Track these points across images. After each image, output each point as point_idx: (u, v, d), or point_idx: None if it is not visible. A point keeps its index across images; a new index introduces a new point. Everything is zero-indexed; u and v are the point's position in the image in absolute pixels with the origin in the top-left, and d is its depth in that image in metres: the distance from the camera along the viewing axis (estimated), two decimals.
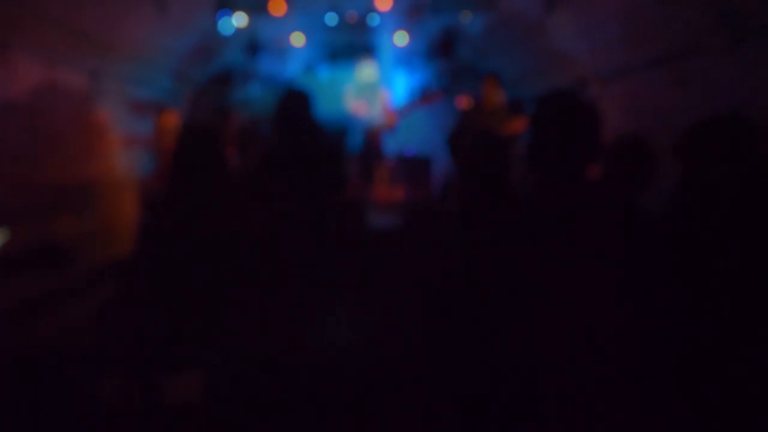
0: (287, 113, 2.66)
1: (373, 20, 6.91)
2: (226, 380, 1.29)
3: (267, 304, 1.34)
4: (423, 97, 5.35)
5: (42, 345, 2.57)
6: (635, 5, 4.40)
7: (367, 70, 5.10)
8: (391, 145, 7.54)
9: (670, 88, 4.53)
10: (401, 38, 7.50)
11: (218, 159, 1.97)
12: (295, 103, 2.70)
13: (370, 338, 1.32)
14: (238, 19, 5.72)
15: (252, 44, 7.60)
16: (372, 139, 5.20)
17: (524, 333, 1.26)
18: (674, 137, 3.39)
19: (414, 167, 7.80)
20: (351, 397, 1.33)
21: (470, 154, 2.08)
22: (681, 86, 4.39)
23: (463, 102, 6.41)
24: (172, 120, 5.60)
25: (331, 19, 6.92)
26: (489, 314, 1.31)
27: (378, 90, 5.14)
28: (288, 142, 2.52)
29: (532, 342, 1.25)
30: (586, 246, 1.31)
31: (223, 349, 1.30)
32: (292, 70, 8.35)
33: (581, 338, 1.23)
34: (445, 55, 7.78)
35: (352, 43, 8.01)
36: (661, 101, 4.67)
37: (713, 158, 3.05)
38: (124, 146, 5.67)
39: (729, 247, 2.70)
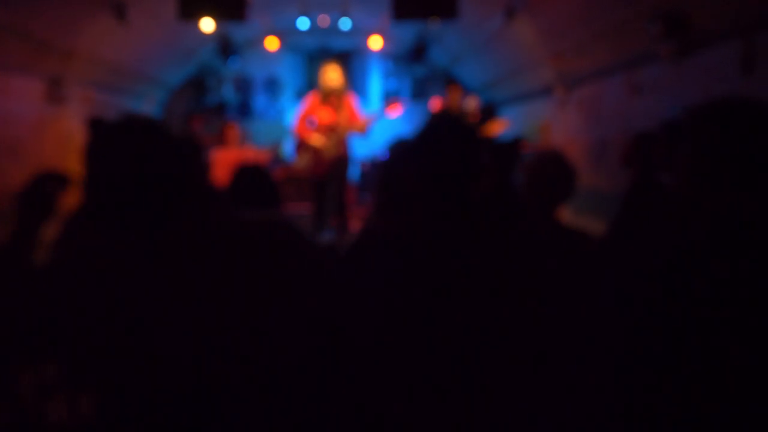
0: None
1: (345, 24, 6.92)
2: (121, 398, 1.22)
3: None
4: (387, 104, 5.33)
5: None
6: (589, 13, 4.43)
7: (331, 74, 5.04)
8: (363, 150, 7.54)
9: (626, 95, 4.56)
10: (375, 42, 7.50)
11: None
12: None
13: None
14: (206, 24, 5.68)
15: (225, 47, 7.56)
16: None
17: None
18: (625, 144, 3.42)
19: None
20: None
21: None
22: (636, 93, 4.43)
23: (437, 105, 6.41)
24: None
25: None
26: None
27: (344, 95, 5.09)
28: None
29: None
30: (482, 260, 1.31)
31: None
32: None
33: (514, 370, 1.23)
34: (417, 59, 7.80)
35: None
36: (619, 107, 4.71)
37: (661, 165, 3.08)
38: None
39: (680, 250, 2.72)
